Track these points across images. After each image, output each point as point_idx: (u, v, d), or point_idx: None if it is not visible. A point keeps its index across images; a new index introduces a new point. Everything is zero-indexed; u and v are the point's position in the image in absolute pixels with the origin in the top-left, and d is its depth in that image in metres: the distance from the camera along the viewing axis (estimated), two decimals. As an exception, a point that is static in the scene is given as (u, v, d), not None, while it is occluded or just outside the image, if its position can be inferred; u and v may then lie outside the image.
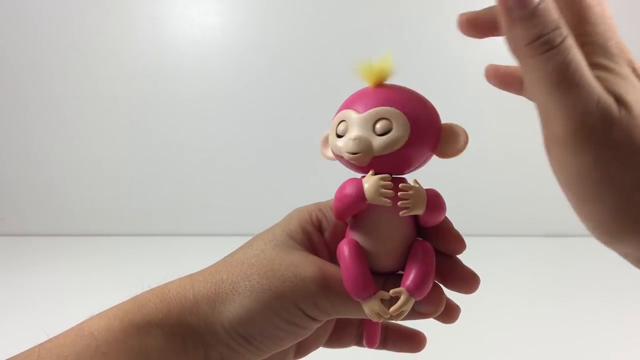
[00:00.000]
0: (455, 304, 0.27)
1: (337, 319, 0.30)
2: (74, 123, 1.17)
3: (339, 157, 0.25)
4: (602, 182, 0.20)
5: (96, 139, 1.18)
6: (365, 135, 0.23)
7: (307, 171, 1.14)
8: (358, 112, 0.24)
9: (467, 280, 0.26)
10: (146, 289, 0.26)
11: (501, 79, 0.26)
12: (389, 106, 0.23)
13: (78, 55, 1.14)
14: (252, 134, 1.16)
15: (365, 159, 0.23)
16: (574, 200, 0.21)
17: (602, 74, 0.20)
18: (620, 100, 0.20)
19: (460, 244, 0.26)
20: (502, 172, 1.15)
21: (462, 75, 1.09)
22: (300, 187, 1.15)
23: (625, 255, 0.22)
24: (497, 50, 1.00)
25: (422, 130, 0.23)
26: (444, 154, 0.24)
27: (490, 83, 0.26)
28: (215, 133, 1.17)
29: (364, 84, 0.25)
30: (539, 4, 0.19)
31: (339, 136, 0.24)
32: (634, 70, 0.21)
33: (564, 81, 0.19)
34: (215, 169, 1.18)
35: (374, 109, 0.23)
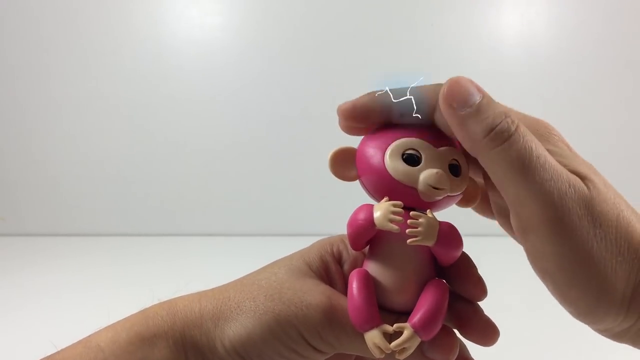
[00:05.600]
0: None
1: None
2: (73, 123, 1.17)
3: (388, 182, 0.23)
4: (586, 263, 0.19)
5: (96, 138, 1.17)
6: (447, 173, 0.23)
7: (307, 171, 1.14)
8: (433, 145, 0.23)
9: (484, 331, 0.25)
10: (156, 302, 0.26)
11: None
12: (458, 149, 0.23)
13: (78, 55, 1.14)
14: (253, 133, 1.16)
15: (441, 196, 0.22)
16: (557, 288, 0.21)
17: (554, 157, 0.21)
18: (582, 177, 0.20)
19: (479, 290, 0.25)
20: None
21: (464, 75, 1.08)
22: (301, 186, 1.15)
23: (604, 332, 0.22)
24: (498, 49, 1.00)
25: (468, 176, 0.24)
26: (459, 204, 0.25)
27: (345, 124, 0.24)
28: (215, 133, 1.17)
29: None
30: (482, 99, 0.20)
31: (408, 164, 0.23)
32: (570, 148, 0.22)
33: (530, 167, 0.19)
34: (216, 168, 1.17)
35: (449, 148, 0.23)
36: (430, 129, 0.24)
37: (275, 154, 1.16)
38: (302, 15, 1.12)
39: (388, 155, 0.23)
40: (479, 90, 0.21)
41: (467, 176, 0.23)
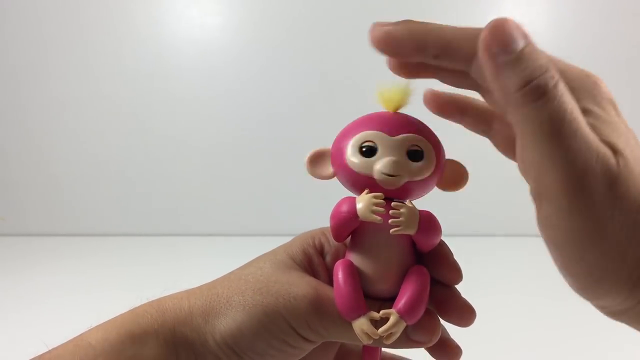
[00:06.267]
0: (455, 344, 0.27)
1: (338, 349, 0.30)
2: (74, 123, 1.17)
3: (353, 176, 0.24)
4: (597, 244, 0.19)
5: (96, 138, 1.18)
6: (403, 160, 0.23)
7: (306, 171, 1.14)
8: (389, 134, 0.24)
9: (462, 312, 0.25)
10: (144, 301, 0.26)
11: (440, 107, 0.26)
12: (420, 135, 0.24)
13: (78, 55, 1.14)
14: (252, 133, 1.16)
15: (399, 183, 0.23)
16: (562, 260, 0.20)
17: (593, 121, 0.19)
18: (615, 151, 0.19)
19: (455, 274, 0.25)
20: (503, 172, 1.15)
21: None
22: (300, 186, 1.15)
23: (601, 308, 0.22)
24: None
25: (440, 164, 0.24)
26: (444, 188, 0.25)
27: (427, 107, 0.26)
28: (215, 133, 1.17)
29: (380, 107, 0.25)
30: (524, 47, 0.18)
31: (364, 156, 0.24)
32: (616, 111, 0.21)
33: (560, 132, 0.18)
34: (216, 168, 1.18)
35: (407, 135, 0.24)
36: (391, 119, 0.25)
37: (274, 154, 1.16)
38: (301, 15, 1.12)
39: (349, 151, 0.24)
40: (525, 36, 0.18)
41: (432, 160, 0.24)
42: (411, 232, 0.23)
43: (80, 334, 0.25)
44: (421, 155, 0.23)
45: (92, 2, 1.13)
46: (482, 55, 0.19)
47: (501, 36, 0.18)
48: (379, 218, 0.22)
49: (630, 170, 0.19)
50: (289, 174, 1.16)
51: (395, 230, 0.23)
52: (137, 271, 0.92)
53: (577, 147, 0.18)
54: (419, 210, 0.23)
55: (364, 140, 0.24)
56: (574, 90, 0.19)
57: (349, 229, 0.24)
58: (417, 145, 0.23)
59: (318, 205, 1.13)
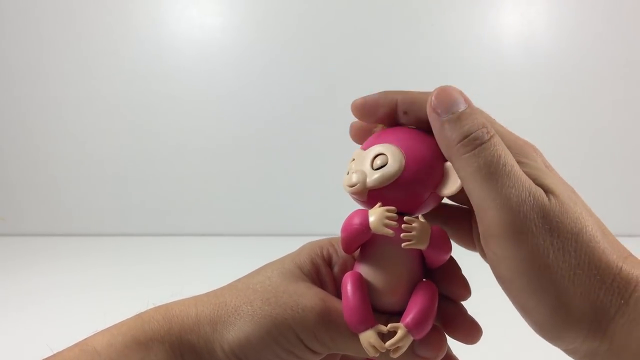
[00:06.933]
0: None
1: None
2: (73, 123, 1.17)
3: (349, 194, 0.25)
4: (542, 271, 0.20)
5: (96, 139, 1.17)
6: (363, 169, 0.24)
7: (306, 171, 1.14)
8: (363, 149, 0.25)
9: (469, 330, 0.26)
10: (151, 307, 0.26)
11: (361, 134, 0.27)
12: (388, 143, 0.24)
13: (78, 55, 1.14)
14: (252, 134, 1.16)
15: (362, 191, 0.23)
16: (515, 296, 0.22)
17: (526, 169, 0.22)
18: (547, 190, 0.21)
19: (464, 290, 0.26)
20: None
21: (462, 75, 1.09)
22: (300, 186, 1.15)
23: (572, 352, 0.22)
24: (498, 49, 1.00)
25: (418, 166, 0.24)
26: (444, 193, 0.24)
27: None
28: (215, 133, 1.17)
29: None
30: (465, 109, 0.22)
31: (347, 174, 0.25)
32: (549, 167, 0.24)
33: (495, 173, 0.21)
34: (215, 169, 1.18)
35: (374, 146, 0.24)
36: (379, 133, 0.25)
37: (275, 154, 1.16)
38: (302, 16, 1.12)
39: (344, 173, 0.26)
40: (466, 100, 0.22)
41: (398, 163, 0.23)
42: (422, 246, 0.23)
43: (85, 339, 0.25)
44: (385, 161, 0.23)
45: (91, 2, 1.13)
46: (429, 115, 0.23)
47: (445, 99, 0.22)
48: (391, 232, 0.23)
49: (562, 203, 0.21)
50: (290, 174, 1.16)
51: (407, 245, 0.23)
52: (136, 271, 0.92)
53: (510, 185, 0.21)
54: (431, 226, 0.24)
55: (351, 160, 0.25)
56: (510, 148, 0.22)
57: (360, 242, 0.24)
58: (381, 153, 0.24)
59: (318, 205, 1.13)
